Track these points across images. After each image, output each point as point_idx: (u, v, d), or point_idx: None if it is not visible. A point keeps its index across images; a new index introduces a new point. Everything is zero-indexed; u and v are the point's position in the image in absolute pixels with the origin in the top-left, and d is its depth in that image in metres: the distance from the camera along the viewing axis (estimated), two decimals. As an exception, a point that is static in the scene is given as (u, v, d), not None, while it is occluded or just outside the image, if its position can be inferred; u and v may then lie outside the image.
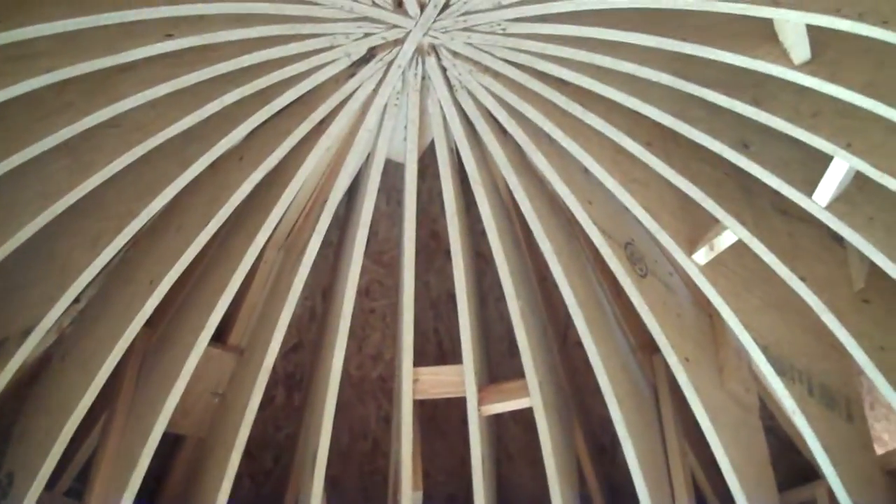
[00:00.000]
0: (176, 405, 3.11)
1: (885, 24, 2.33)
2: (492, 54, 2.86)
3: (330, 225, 3.18)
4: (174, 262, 3.02)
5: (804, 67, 2.53)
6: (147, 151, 2.83)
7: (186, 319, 3.24)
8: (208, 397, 3.47)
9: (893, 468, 3.25)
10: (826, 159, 2.69)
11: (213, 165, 2.96)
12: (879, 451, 3.55)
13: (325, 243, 3.27)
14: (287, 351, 3.69)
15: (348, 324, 3.20)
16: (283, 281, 3.27)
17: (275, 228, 3.13)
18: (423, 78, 2.92)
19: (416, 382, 3.28)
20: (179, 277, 3.05)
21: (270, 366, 3.21)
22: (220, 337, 3.36)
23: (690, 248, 3.01)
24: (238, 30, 2.70)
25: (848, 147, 2.61)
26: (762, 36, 2.58)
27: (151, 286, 3.04)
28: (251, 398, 3.21)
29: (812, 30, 2.49)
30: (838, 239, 2.95)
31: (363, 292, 3.65)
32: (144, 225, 3.01)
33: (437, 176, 3.11)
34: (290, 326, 3.26)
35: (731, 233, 2.92)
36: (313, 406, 3.45)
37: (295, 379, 3.74)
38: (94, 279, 3.01)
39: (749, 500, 3.00)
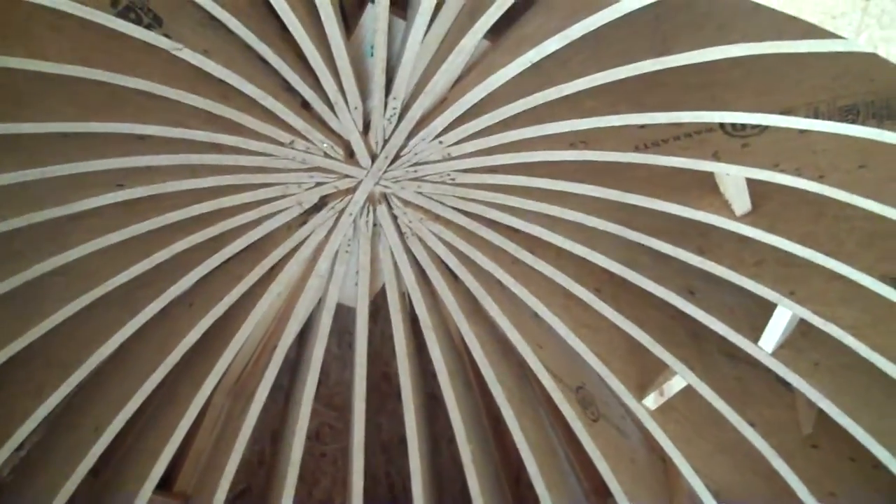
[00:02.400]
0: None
1: (821, 178, 2.40)
2: (442, 203, 2.91)
3: (280, 368, 3.16)
4: (120, 408, 2.98)
5: (745, 218, 2.60)
6: (96, 300, 2.82)
7: (131, 467, 3.18)
8: (152, 547, 3.37)
9: None
10: (771, 305, 2.74)
11: (162, 311, 2.95)
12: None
13: (276, 387, 3.25)
14: (235, 497, 3.61)
15: (297, 469, 3.15)
16: (231, 426, 3.23)
17: (223, 374, 3.11)
18: (375, 225, 2.96)
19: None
20: (125, 424, 3.01)
21: (217, 513, 3.16)
22: (165, 484, 3.28)
23: (640, 392, 3.02)
24: (189, 180, 2.73)
25: (791, 295, 2.66)
26: (704, 188, 2.65)
27: (96, 433, 3.00)
28: (198, 546, 3.14)
29: (753, 182, 2.56)
30: (786, 383, 2.98)
31: (313, 436, 3.60)
32: (91, 371, 2.97)
33: (389, 319, 3.12)
34: (238, 472, 3.21)
35: (681, 378, 2.95)
36: (261, 554, 3.37)
37: (243, 525, 3.65)
38: (37, 426, 2.95)
39: None
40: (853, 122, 2.19)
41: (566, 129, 2.62)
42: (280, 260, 2.98)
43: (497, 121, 2.67)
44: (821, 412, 2.87)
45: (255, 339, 3.22)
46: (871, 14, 1.25)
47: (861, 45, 1.33)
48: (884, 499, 2.92)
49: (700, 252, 2.75)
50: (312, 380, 3.08)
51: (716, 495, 2.95)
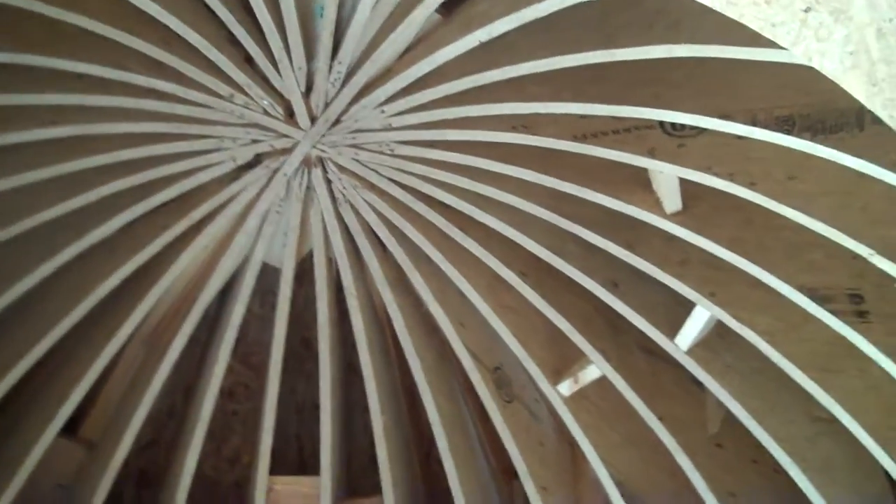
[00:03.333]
0: (17, 494, 2.98)
1: (752, 185, 2.44)
2: (378, 172, 2.90)
3: (200, 323, 3.13)
4: (32, 347, 2.93)
5: (675, 217, 2.63)
6: (16, 235, 2.76)
7: (39, 410, 3.12)
8: (54, 489, 3.33)
9: None
10: (691, 305, 2.78)
11: (83, 255, 2.89)
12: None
13: (193, 341, 3.22)
14: (141, 447, 3.57)
15: (207, 424, 3.13)
16: (144, 376, 3.19)
17: (141, 323, 3.07)
18: (308, 188, 2.94)
19: (271, 492, 3.22)
20: (37, 364, 2.95)
21: (121, 461, 3.13)
22: (72, 429, 3.24)
23: (556, 378, 3.06)
24: (123, 124, 2.68)
25: (711, 296, 2.70)
26: (638, 183, 2.68)
27: (4, 370, 2.94)
28: (97, 493, 3.11)
29: (686, 183, 2.60)
30: (698, 382, 3.03)
31: (227, 394, 3.57)
32: (7, 307, 2.91)
33: (314, 283, 3.10)
34: (147, 423, 3.18)
35: (596, 368, 2.98)
36: (162, 506, 3.34)
37: (147, 476, 3.61)
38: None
39: None
40: (788, 132, 2.23)
41: (508, 112, 2.63)
42: (209, 214, 2.94)
43: (441, 96, 2.66)
44: (728, 413, 2.92)
45: (177, 291, 3.18)
46: (810, 26, 1.27)
47: (798, 55, 1.34)
48: (782, 502, 2.99)
49: (628, 246, 2.78)
50: (230, 337, 3.06)
51: (619, 485, 3.00)
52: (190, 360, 3.47)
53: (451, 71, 2.61)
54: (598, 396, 3.13)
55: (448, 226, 2.96)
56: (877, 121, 2.19)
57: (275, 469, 3.31)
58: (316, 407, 3.31)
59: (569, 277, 2.93)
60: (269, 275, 3.26)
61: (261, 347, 3.59)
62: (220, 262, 3.03)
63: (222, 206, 2.93)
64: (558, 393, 3.04)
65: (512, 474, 3.36)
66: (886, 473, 2.69)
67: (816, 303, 2.47)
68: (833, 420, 2.65)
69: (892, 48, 1.27)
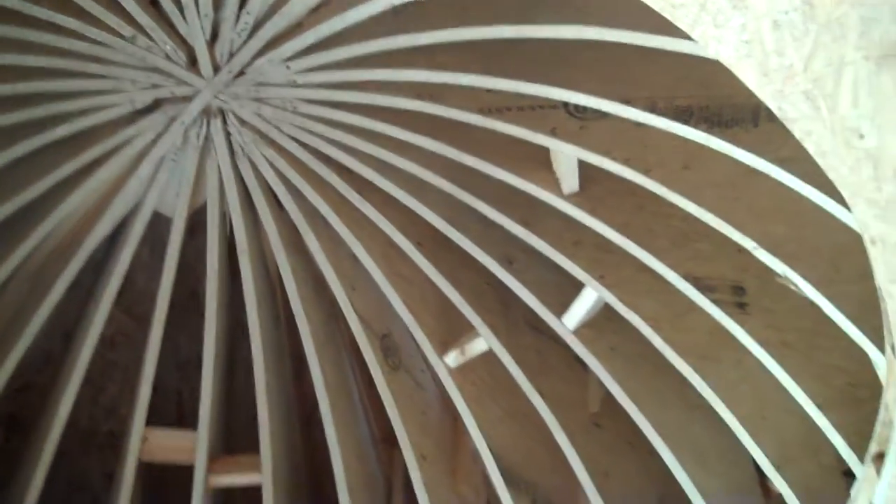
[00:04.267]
0: None
1: (647, 171, 2.49)
2: (279, 129, 2.86)
3: (87, 268, 3.06)
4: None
5: (571, 198, 2.66)
6: None
7: None
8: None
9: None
10: (581, 286, 2.82)
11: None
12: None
13: (78, 285, 3.14)
14: (15, 390, 3.47)
15: (84, 371, 3.07)
16: (22, 318, 3.09)
17: (23, 262, 2.98)
18: (206, 139, 2.88)
19: (146, 442, 3.16)
20: None
21: (-9, 404, 3.04)
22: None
23: (443, 349, 3.07)
24: (19, 55, 2.59)
25: (601, 279, 2.75)
26: (538, 162, 2.70)
27: None
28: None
29: (585, 165, 2.63)
30: (583, 362, 3.08)
31: (108, 342, 3.49)
32: None
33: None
34: (22, 366, 3.09)
35: (484, 341, 3.01)
36: (31, 451, 3.25)
37: (17, 421, 3.51)
38: None
39: None
40: (685, 122, 2.27)
41: (415, 80, 2.62)
42: (101, 156, 2.86)
43: (349, 57, 2.64)
44: (609, 394, 2.98)
45: (64, 233, 3.08)
46: (709, 10, 1.29)
47: (696, 39, 1.36)
48: (655, 485, 3.07)
49: (524, 224, 2.81)
50: (115, 283, 3.00)
51: (497, 458, 3.03)
52: (73, 306, 3.38)
53: (361, 33, 2.59)
54: (483, 370, 3.16)
55: (347, 189, 2.94)
56: (770, 118, 2.24)
57: (152, 422, 3.26)
58: (199, 363, 3.26)
59: (464, 251, 2.94)
60: (161, 225, 3.20)
61: (147, 298, 3.51)
62: (110, 206, 2.95)
63: (116, 150, 2.86)
64: (444, 364, 3.06)
65: (393, 442, 3.37)
66: (754, 462, 2.78)
67: (700, 292, 2.53)
68: (707, 408, 2.73)
69: (786, 41, 1.29)
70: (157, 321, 3.10)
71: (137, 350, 3.53)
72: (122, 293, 3.23)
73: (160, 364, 3.23)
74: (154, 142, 2.86)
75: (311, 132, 2.85)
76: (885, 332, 1.74)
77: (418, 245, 2.96)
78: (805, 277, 2.22)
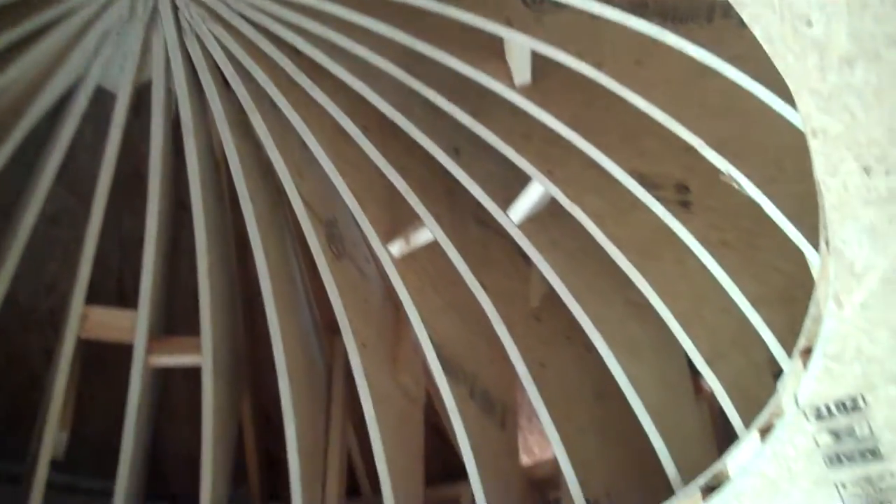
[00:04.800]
0: None
1: (599, 65, 2.47)
2: (229, 6, 2.79)
3: (27, 143, 2.99)
4: None
5: (522, 90, 2.65)
6: None
7: None
8: None
9: (536, 478, 3.47)
10: (527, 180, 2.83)
11: None
12: (528, 461, 3.78)
13: (19, 162, 3.07)
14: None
15: (23, 246, 3.03)
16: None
17: (-39, 133, 2.91)
18: (153, 12, 2.81)
19: (85, 320, 3.15)
20: None
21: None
22: None
23: (388, 238, 3.08)
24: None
25: (548, 173, 2.75)
26: (492, 52, 2.68)
27: None
28: None
29: (538, 58, 2.61)
30: (526, 257, 3.10)
31: (50, 219, 3.44)
32: None
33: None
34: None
35: (429, 231, 3.01)
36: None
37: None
38: None
39: (394, 489, 3.09)
40: (641, 15, 2.25)
41: (370, -41, 2.57)
42: (44, 25, 2.78)
43: (302, -67, 2.57)
44: (550, 289, 3.01)
45: (4, 105, 3.00)
46: None
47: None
48: (590, 378, 3.13)
49: (474, 114, 2.79)
50: (57, 157, 2.94)
51: (437, 347, 3.06)
52: (14, 181, 3.32)
53: None
54: (427, 261, 3.17)
55: (296, 71, 2.89)
56: (725, 15, 2.25)
57: (92, 301, 3.24)
58: (141, 243, 3.24)
59: (412, 140, 2.93)
60: (105, 101, 3.13)
61: (90, 177, 3.45)
62: (52, 79, 2.88)
63: (60, 20, 2.77)
64: (388, 253, 3.07)
65: (335, 330, 3.39)
66: (688, 360, 2.84)
67: (645, 189, 2.55)
68: (645, 305, 2.77)
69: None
70: (100, 197, 3.06)
71: (79, 228, 3.49)
72: (65, 171, 3.18)
73: (102, 243, 3.20)
74: (99, 13, 2.78)
75: (261, 10, 2.79)
76: (821, 228, 1.77)
77: (366, 131, 2.93)
78: (748, 176, 2.24)
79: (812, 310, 1.96)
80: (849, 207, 1.62)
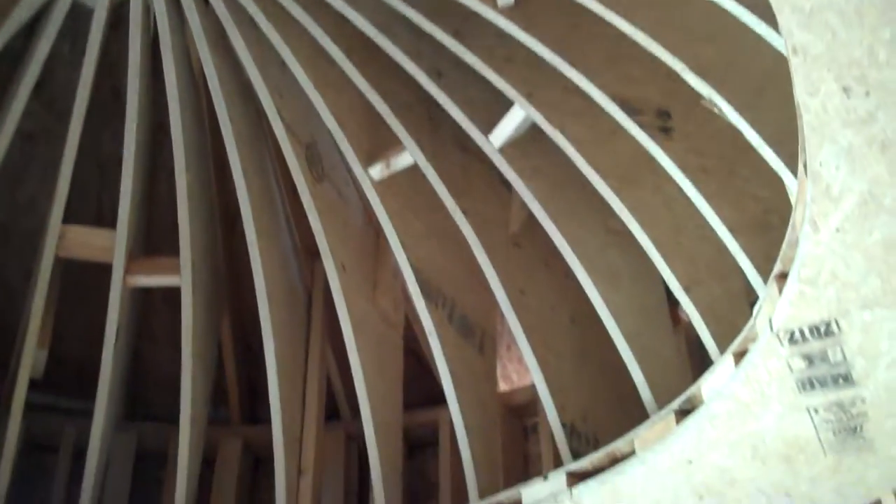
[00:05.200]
0: None
1: (583, -13, 2.44)
2: (208, -82, 2.74)
3: (2, 59, 2.94)
4: None
5: (506, 12, 2.62)
6: None
7: None
8: None
9: (513, 404, 3.50)
10: (509, 104, 2.81)
11: None
12: (506, 388, 3.82)
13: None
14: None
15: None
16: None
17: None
18: (131, -77, 2.76)
19: (63, 239, 3.14)
20: None
21: None
22: None
23: (368, 161, 3.06)
24: None
25: (529, 97, 2.74)
26: (475, -29, 2.64)
27: None
28: None
29: (522, -22, 2.58)
30: (507, 184, 3.10)
31: (27, 137, 3.40)
32: None
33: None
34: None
35: (409, 155, 3.00)
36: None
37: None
38: None
39: (373, 412, 3.12)
40: (625, -63, 2.22)
41: None
42: (17, -63, 2.73)
43: None
44: (530, 216, 3.01)
45: (-23, 22, 2.97)
46: None
47: None
48: (568, 304, 3.15)
49: (456, 35, 2.76)
50: (33, 73, 2.90)
51: (417, 272, 3.07)
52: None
53: None
54: (407, 185, 3.16)
55: (276, -11, 2.85)
56: (711, -64, 2.21)
57: (71, 221, 3.22)
58: (120, 164, 3.21)
59: (394, 63, 2.90)
60: (84, 18, 3.08)
61: (68, 94, 3.41)
62: (27, -7, 2.83)
63: (34, -69, 2.72)
64: (369, 176, 3.05)
65: (315, 254, 3.39)
66: (666, 288, 2.85)
67: (626, 113, 2.53)
68: (625, 233, 2.78)
69: None
70: (77, 115, 3.02)
71: (58, 147, 3.46)
72: (43, 88, 3.15)
73: (81, 164, 3.18)
74: (74, -76, 2.73)
75: (241, -76, 2.74)
76: (800, 150, 1.76)
77: (348, 52, 2.90)
78: (729, 101, 2.23)
79: (788, 234, 1.96)
80: (828, 129, 1.62)
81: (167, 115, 3.08)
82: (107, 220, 3.51)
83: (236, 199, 3.15)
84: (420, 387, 3.72)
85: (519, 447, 3.47)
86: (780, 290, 1.98)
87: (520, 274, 3.09)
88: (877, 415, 2.17)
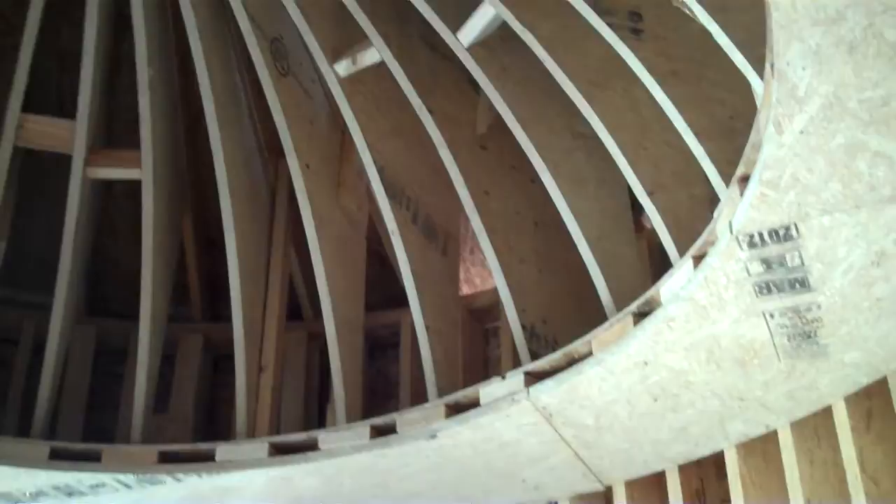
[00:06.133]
0: None
1: None
2: None
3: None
4: None
5: None
6: None
7: None
8: None
9: (475, 307, 3.52)
10: (479, 2, 2.76)
11: None
12: (468, 291, 3.83)
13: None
14: None
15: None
16: None
17: None
18: None
19: (22, 129, 3.08)
20: None
21: None
22: None
23: (334, 57, 3.01)
24: None
25: (500, -5, 2.69)
26: None
27: None
28: None
29: None
30: (475, 85, 3.06)
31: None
32: None
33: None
34: None
35: (376, 52, 2.95)
36: None
37: None
38: None
39: (335, 311, 3.12)
40: None
41: None
42: None
43: None
44: (497, 117, 2.98)
45: None
46: None
47: None
48: (533, 209, 3.15)
49: (426, -71, 2.70)
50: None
51: (381, 171, 3.04)
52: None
53: None
54: (374, 83, 3.12)
55: None
56: None
57: (30, 112, 3.16)
58: (80, 55, 3.14)
59: (362, -47, 2.84)
60: None
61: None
62: None
63: None
64: (335, 72, 3.00)
65: (279, 153, 3.36)
66: (630, 194, 2.85)
67: (598, 14, 2.49)
68: (591, 137, 2.76)
69: None
70: (35, 4, 2.94)
71: (15, 36, 3.37)
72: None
73: (41, 55, 3.10)
74: None
75: None
76: (767, 50, 1.74)
77: (314, -57, 2.83)
78: (699, 1, 2.19)
79: (752, 136, 1.95)
80: (796, 27, 1.60)
81: (128, 5, 3.01)
82: (68, 112, 3.45)
83: (199, 97, 3.09)
84: (382, 289, 3.73)
85: (479, 351, 3.50)
86: (742, 193, 1.98)
87: (485, 176, 3.07)
88: (831, 320, 2.20)
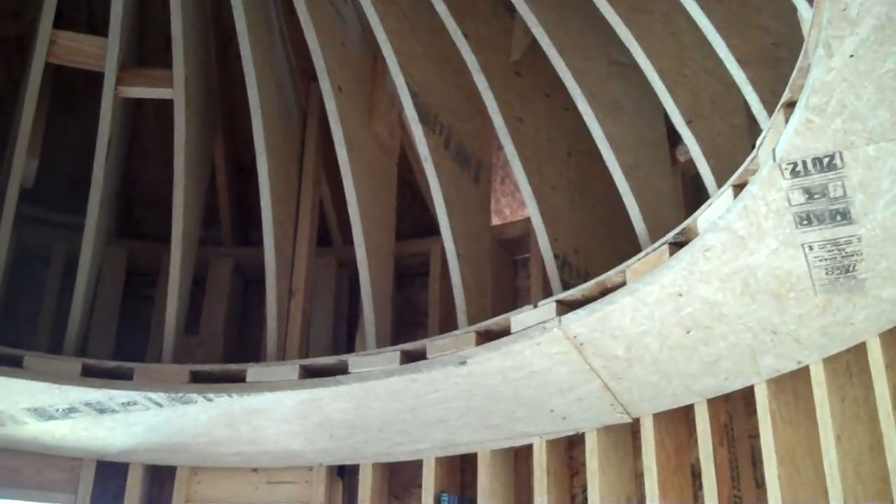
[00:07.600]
0: None
1: None
2: None
3: None
4: None
5: None
6: None
7: None
8: None
9: (505, 238, 3.49)
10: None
11: None
12: (499, 221, 3.80)
13: None
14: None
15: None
16: None
17: None
18: None
19: (53, 45, 3.04)
20: None
21: None
22: None
23: (368, -25, 2.96)
24: None
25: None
26: None
27: None
28: None
29: None
30: (510, 8, 3.00)
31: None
32: None
33: None
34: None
35: (412, -28, 2.89)
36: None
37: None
38: None
39: (366, 237, 3.10)
40: None
41: None
42: None
43: None
44: (533, 43, 2.92)
45: None
46: None
47: None
48: (566, 137, 3.10)
49: None
50: None
51: (414, 95, 2.99)
52: None
53: None
54: (407, 4, 3.06)
55: None
56: None
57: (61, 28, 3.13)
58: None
59: None
60: None
61: None
62: None
63: None
64: (368, -11, 2.95)
65: (311, 75, 3.32)
66: (668, 124, 2.80)
67: (640, -65, 2.42)
68: (628, 65, 2.70)
69: None
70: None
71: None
72: None
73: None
74: None
75: None
76: (820, -32, 1.68)
77: None
78: (748, -78, 2.13)
79: (800, 61, 1.89)
80: (851, -56, 1.54)
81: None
82: (99, 30, 3.42)
83: (232, 19, 3.05)
84: (412, 218, 3.71)
85: (508, 281, 3.48)
86: (787, 119, 1.93)
87: (519, 102, 3.02)
88: (871, 254, 2.15)
